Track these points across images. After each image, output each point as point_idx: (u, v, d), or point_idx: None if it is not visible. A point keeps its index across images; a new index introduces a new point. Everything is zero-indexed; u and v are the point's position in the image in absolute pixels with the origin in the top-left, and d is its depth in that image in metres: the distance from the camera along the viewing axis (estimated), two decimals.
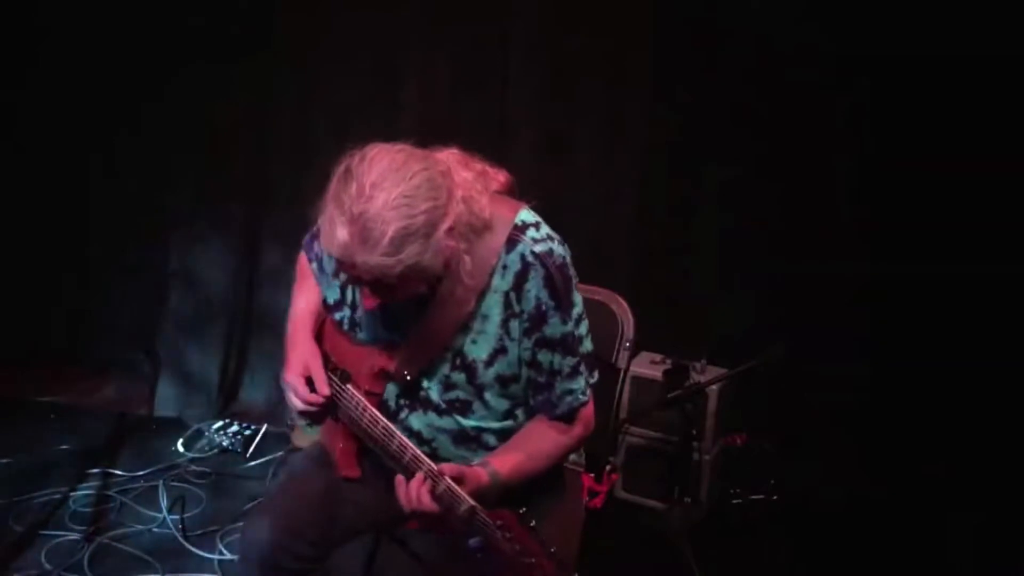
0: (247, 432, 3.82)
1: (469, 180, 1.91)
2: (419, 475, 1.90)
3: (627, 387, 3.07)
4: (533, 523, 1.82)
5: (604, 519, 2.33)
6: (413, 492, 1.89)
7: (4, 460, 3.53)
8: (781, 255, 3.72)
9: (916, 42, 3.41)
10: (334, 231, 1.78)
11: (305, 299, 2.25)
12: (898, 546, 3.27)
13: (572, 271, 2.01)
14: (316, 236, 2.22)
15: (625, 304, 2.42)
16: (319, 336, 2.21)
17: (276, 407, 3.95)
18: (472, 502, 1.85)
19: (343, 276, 2.11)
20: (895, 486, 3.52)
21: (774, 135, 3.65)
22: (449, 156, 1.94)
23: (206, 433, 3.83)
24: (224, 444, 3.77)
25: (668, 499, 3.22)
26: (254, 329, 4.13)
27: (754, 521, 3.47)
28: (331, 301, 2.17)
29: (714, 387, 3.26)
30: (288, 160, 3.97)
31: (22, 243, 4.16)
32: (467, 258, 1.89)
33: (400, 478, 1.93)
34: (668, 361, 3.39)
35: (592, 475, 2.34)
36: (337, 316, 2.16)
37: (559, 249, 1.98)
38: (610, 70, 3.72)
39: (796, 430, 3.68)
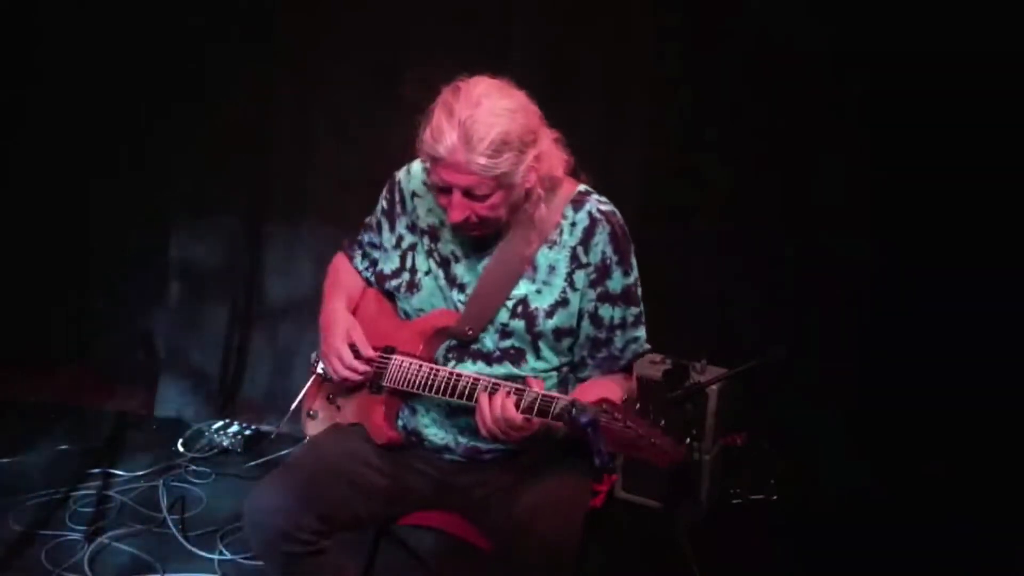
0: (247, 432, 3.82)
1: (551, 137, 2.11)
2: (502, 390, 2.00)
3: None
4: (638, 405, 1.97)
5: (604, 519, 2.33)
6: (498, 403, 1.98)
7: (4, 460, 3.53)
8: (781, 255, 3.73)
9: (916, 40, 3.41)
10: (442, 133, 1.97)
11: (341, 289, 2.34)
12: (898, 546, 3.28)
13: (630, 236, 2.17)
14: (361, 233, 2.37)
15: None
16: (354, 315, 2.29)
17: (278, 401, 3.95)
18: (568, 398, 1.95)
19: (405, 244, 2.23)
20: (895, 486, 3.52)
21: (774, 135, 3.65)
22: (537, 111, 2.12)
23: (206, 433, 3.83)
24: (224, 444, 3.77)
25: (668, 499, 3.22)
26: (255, 329, 4.13)
27: (754, 521, 3.47)
28: (388, 271, 2.26)
29: (714, 387, 3.26)
30: (288, 160, 3.97)
31: (22, 243, 4.15)
32: (543, 205, 2.08)
33: (483, 395, 2.01)
34: (668, 361, 3.38)
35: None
36: (394, 283, 2.24)
37: (619, 214, 2.17)
38: (610, 70, 3.72)
39: (796, 430, 3.68)
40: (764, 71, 3.61)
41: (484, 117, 1.96)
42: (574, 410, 1.90)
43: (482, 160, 1.95)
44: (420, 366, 2.12)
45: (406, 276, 2.21)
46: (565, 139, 2.16)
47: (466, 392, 2.05)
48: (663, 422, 1.90)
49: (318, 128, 3.90)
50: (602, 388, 2.08)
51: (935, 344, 3.52)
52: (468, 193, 2.00)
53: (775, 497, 3.52)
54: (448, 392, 2.07)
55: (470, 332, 2.13)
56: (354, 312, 2.29)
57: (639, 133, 3.75)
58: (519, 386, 2.00)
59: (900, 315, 3.58)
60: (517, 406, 1.97)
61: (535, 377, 2.07)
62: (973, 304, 3.51)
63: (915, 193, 3.55)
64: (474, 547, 2.24)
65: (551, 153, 2.08)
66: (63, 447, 3.66)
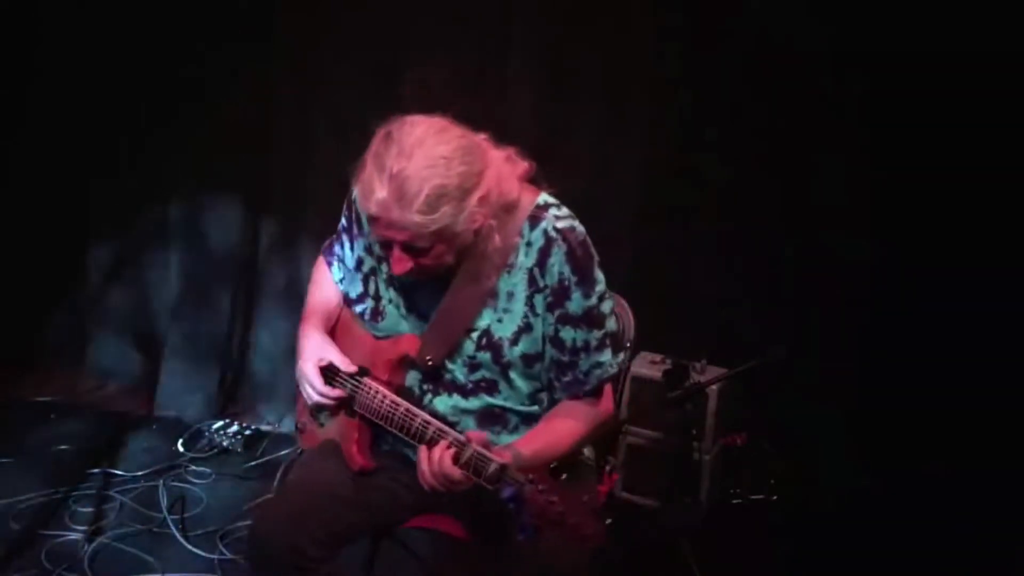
0: (247, 432, 3.82)
1: (500, 160, 1.99)
2: (443, 443, 1.92)
3: (627, 387, 3.06)
4: (564, 476, 1.86)
5: (604, 519, 2.32)
6: (436, 457, 1.91)
7: (4, 460, 3.53)
8: (781, 255, 3.72)
9: (917, 40, 3.41)
10: (373, 188, 1.86)
11: (319, 299, 2.29)
12: (898, 546, 3.27)
13: (594, 250, 2.06)
14: (335, 240, 2.28)
15: (625, 304, 2.42)
16: (332, 334, 2.24)
17: (278, 401, 3.96)
18: (501, 460, 1.85)
19: (365, 268, 2.17)
20: (895, 486, 3.52)
21: (774, 135, 3.65)
22: (481, 139, 2.01)
23: (206, 433, 3.83)
24: (224, 444, 3.77)
25: (668, 499, 3.22)
26: (255, 330, 4.13)
27: (754, 521, 3.47)
28: (354, 295, 2.22)
29: (714, 387, 3.25)
30: (288, 160, 3.97)
31: (22, 243, 4.15)
32: (496, 235, 1.96)
33: (424, 448, 1.95)
34: (668, 361, 3.38)
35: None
36: (359, 309, 2.20)
37: (580, 227, 2.05)
38: (610, 70, 3.71)
39: (796, 430, 3.68)
40: (764, 71, 3.61)
41: (417, 171, 1.84)
42: (499, 482, 1.84)
43: (417, 218, 1.85)
44: (384, 397, 2.07)
45: (370, 303, 2.17)
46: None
47: (417, 435, 1.99)
48: (586, 497, 1.81)
49: (318, 128, 3.89)
50: (557, 430, 2.02)
51: (935, 344, 3.52)
52: (408, 247, 1.92)
53: (775, 497, 3.52)
54: (403, 431, 2.03)
55: (430, 362, 2.07)
56: (335, 325, 2.25)
57: (639, 133, 3.75)
58: (461, 438, 1.91)
59: (900, 315, 3.58)
60: (456, 460, 1.89)
61: (476, 432, 1.95)
62: (973, 304, 3.51)
63: (915, 193, 3.54)
64: (474, 547, 2.24)
65: (502, 179, 1.97)
66: (63, 447, 3.66)
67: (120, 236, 4.19)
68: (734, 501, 3.52)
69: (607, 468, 3.41)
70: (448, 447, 1.91)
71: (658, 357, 3.46)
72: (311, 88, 3.90)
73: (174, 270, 4.10)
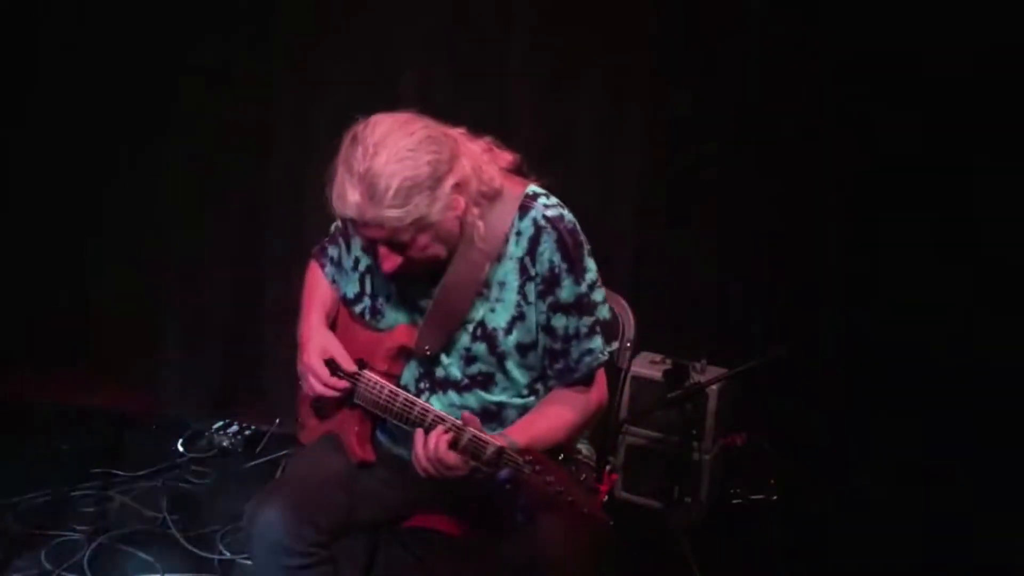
0: (247, 432, 3.82)
1: (477, 151, 2.01)
2: (440, 428, 1.93)
3: (627, 387, 3.06)
4: (561, 456, 1.87)
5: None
6: (432, 443, 1.92)
7: (4, 460, 3.53)
8: (781, 255, 3.73)
9: (916, 40, 3.41)
10: (345, 192, 1.89)
11: (316, 299, 2.29)
12: (898, 546, 3.27)
13: (584, 238, 2.07)
14: (327, 243, 2.31)
15: (625, 304, 2.43)
16: (332, 329, 2.24)
17: (278, 401, 3.95)
18: (499, 443, 1.88)
19: (361, 267, 2.19)
20: (895, 486, 3.52)
21: (774, 135, 3.65)
22: (456, 131, 2.03)
23: (206, 433, 3.83)
24: (224, 444, 3.77)
25: (668, 499, 3.22)
26: (255, 329, 4.13)
27: (754, 521, 3.47)
28: (351, 295, 2.22)
29: (714, 387, 3.26)
30: (288, 160, 3.97)
31: (22, 243, 4.15)
32: (480, 223, 1.98)
33: (420, 432, 1.96)
34: (668, 361, 3.38)
35: (593, 473, 2.34)
36: (357, 309, 2.21)
37: (569, 215, 2.06)
38: (610, 70, 3.72)
39: (796, 430, 3.68)
40: (764, 71, 3.61)
41: (384, 167, 1.86)
42: (497, 464, 1.86)
43: (392, 212, 1.87)
44: (383, 388, 2.08)
45: (367, 302, 2.18)
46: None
47: (415, 423, 2.01)
48: (583, 476, 1.84)
49: (318, 128, 3.89)
50: (549, 417, 2.03)
51: (936, 344, 3.52)
52: (391, 244, 1.94)
53: (775, 497, 3.52)
54: (402, 420, 2.04)
55: (428, 351, 2.08)
56: (333, 323, 2.25)
57: (639, 133, 3.75)
58: (459, 423, 1.93)
59: (901, 315, 3.58)
60: (452, 445, 1.91)
61: (473, 416, 1.96)
62: (974, 304, 3.51)
63: (916, 193, 3.55)
64: (474, 548, 2.24)
65: (480, 168, 1.99)
66: (63, 447, 3.66)
67: (120, 236, 4.19)
68: (734, 501, 3.52)
69: (607, 468, 3.41)
70: (445, 432, 1.93)
71: (658, 357, 3.46)
72: (311, 88, 3.90)
73: (174, 270, 4.10)
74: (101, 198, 4.17)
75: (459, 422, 1.94)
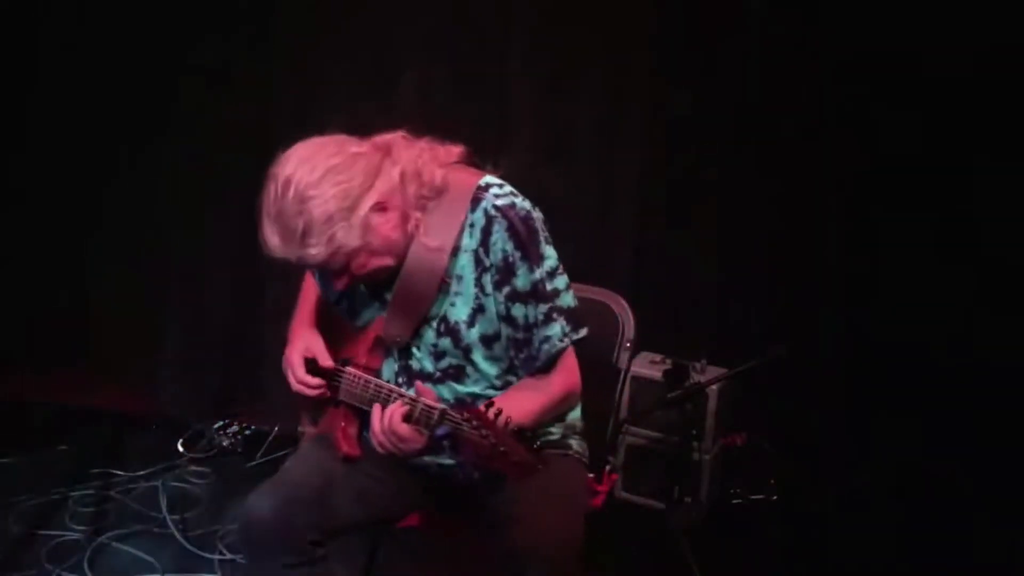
0: (247, 432, 3.82)
1: (413, 155, 2.02)
2: (397, 402, 1.97)
3: (627, 387, 3.07)
4: (503, 417, 1.85)
5: (604, 519, 2.32)
6: (387, 416, 1.96)
7: (4, 460, 3.53)
8: (781, 254, 3.73)
9: (916, 41, 3.41)
10: (265, 236, 1.93)
11: (309, 296, 2.33)
12: (898, 546, 3.27)
13: (539, 225, 2.05)
14: None
15: (625, 304, 2.43)
16: (320, 329, 2.27)
17: (278, 401, 3.95)
18: (441, 406, 1.92)
19: None
20: (895, 486, 3.52)
21: (774, 135, 3.65)
22: (393, 138, 2.06)
23: (206, 433, 3.83)
24: (224, 444, 3.77)
25: (668, 499, 3.22)
26: (255, 329, 4.13)
27: (754, 521, 3.47)
28: (333, 299, 2.24)
29: (714, 387, 3.26)
30: None
31: (23, 242, 4.15)
32: (422, 226, 2.00)
33: (377, 407, 2.00)
34: (668, 361, 3.38)
35: (592, 475, 2.34)
36: (339, 309, 2.23)
37: (522, 203, 2.04)
38: (610, 70, 3.72)
39: (796, 430, 3.68)
40: (765, 71, 3.61)
41: (292, 206, 1.88)
42: (439, 425, 1.91)
43: (311, 251, 1.90)
44: (365, 381, 2.10)
45: (345, 303, 2.21)
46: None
47: (381, 401, 2.03)
48: (512, 427, 1.84)
49: (318, 128, 3.89)
50: (510, 402, 2.01)
51: (936, 344, 3.52)
52: (331, 270, 1.98)
53: (775, 497, 3.52)
54: (374, 403, 2.05)
55: (398, 339, 2.10)
56: (329, 323, 2.27)
57: (639, 133, 3.75)
58: (413, 396, 1.97)
59: (901, 315, 3.58)
60: (407, 418, 1.95)
61: (426, 387, 2.02)
62: (974, 304, 3.51)
63: (916, 193, 3.55)
64: (472, 548, 2.24)
65: (418, 171, 2.00)
66: (63, 447, 3.66)
67: (120, 236, 4.19)
68: (734, 501, 3.52)
69: (607, 468, 3.41)
70: (401, 406, 1.96)
71: (658, 357, 3.46)
72: (311, 88, 3.90)
73: (174, 270, 4.10)
74: (101, 198, 4.18)
75: (413, 395, 1.97)
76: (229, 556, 3.06)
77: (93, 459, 3.57)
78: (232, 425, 3.85)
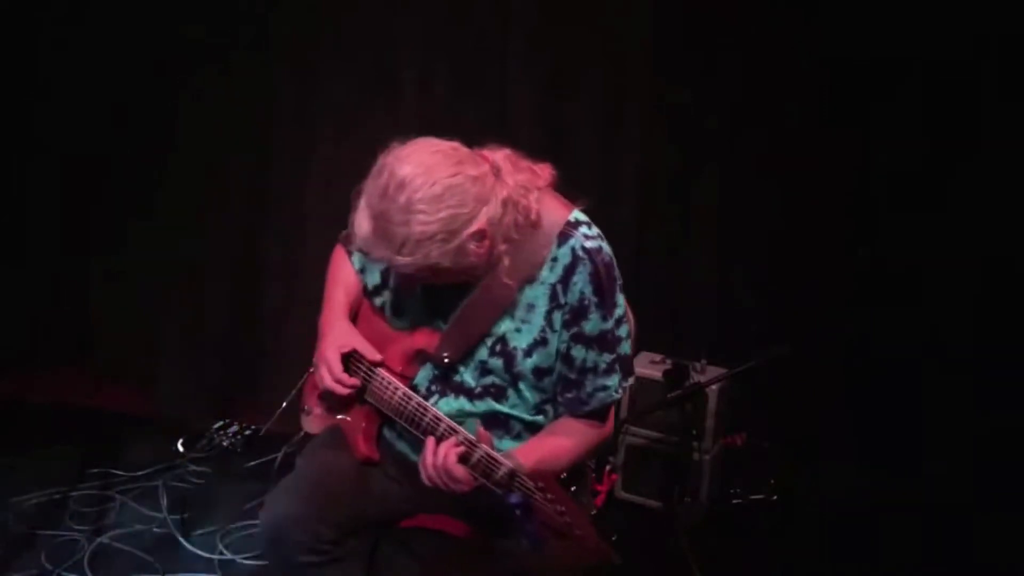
0: (247, 432, 3.82)
1: (519, 181, 1.97)
2: (452, 439, 1.92)
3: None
4: (573, 488, 1.87)
5: (604, 519, 2.32)
6: (441, 453, 1.92)
7: (4, 460, 3.53)
8: (781, 254, 3.73)
9: (916, 42, 3.41)
10: (361, 221, 1.88)
11: (340, 287, 2.27)
12: (898, 546, 3.27)
13: (618, 273, 2.05)
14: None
15: (625, 304, 2.42)
16: (354, 321, 2.23)
17: (278, 401, 3.95)
18: (510, 464, 1.86)
19: None
20: (895, 486, 3.52)
21: (774, 135, 3.65)
22: (501, 157, 1.99)
23: (206, 433, 3.82)
24: (224, 444, 3.77)
25: (668, 499, 3.22)
26: (255, 330, 4.13)
27: (754, 521, 3.47)
28: (371, 286, 2.21)
29: (714, 387, 3.26)
30: (288, 160, 3.97)
31: (22, 243, 4.15)
32: (507, 260, 1.96)
33: (431, 440, 1.95)
34: (668, 361, 3.39)
35: (592, 475, 2.34)
36: (378, 301, 2.20)
37: (608, 249, 2.04)
38: (610, 70, 3.72)
39: (796, 430, 3.68)
40: (764, 72, 3.61)
41: (399, 214, 1.83)
42: (509, 487, 1.85)
43: (403, 259, 1.86)
44: (396, 389, 2.07)
45: (388, 296, 2.17)
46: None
47: (427, 430, 2.00)
48: (594, 512, 1.83)
49: (318, 128, 3.90)
50: (555, 445, 2.02)
51: (936, 343, 3.52)
52: (401, 274, 1.98)
53: (775, 497, 3.52)
54: (413, 424, 2.04)
55: (447, 359, 2.07)
56: (356, 315, 2.24)
57: (639, 135, 3.75)
58: (472, 439, 1.91)
59: (901, 314, 3.58)
60: (463, 460, 1.90)
61: (486, 430, 1.94)
62: (974, 303, 3.51)
63: (916, 193, 3.55)
64: (474, 547, 2.24)
65: (517, 202, 1.94)
66: (63, 447, 3.66)
67: (120, 236, 4.19)
68: (734, 501, 3.52)
69: (607, 468, 3.42)
70: (457, 445, 1.91)
71: (658, 357, 3.46)
72: (311, 88, 3.90)
73: (174, 270, 4.10)
74: (101, 199, 4.17)
75: (473, 437, 1.92)
76: (229, 556, 3.06)
77: (93, 459, 3.57)
78: (232, 425, 3.84)
